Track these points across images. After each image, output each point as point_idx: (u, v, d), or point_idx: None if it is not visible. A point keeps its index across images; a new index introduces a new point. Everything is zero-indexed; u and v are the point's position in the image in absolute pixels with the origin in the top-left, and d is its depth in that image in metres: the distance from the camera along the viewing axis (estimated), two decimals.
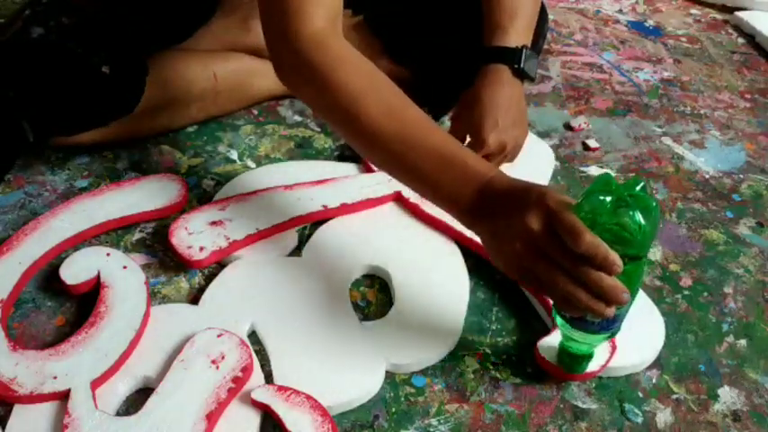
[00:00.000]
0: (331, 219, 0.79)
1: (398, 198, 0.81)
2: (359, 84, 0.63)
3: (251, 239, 0.74)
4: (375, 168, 0.84)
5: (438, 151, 0.61)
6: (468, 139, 0.79)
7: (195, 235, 0.74)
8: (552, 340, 0.65)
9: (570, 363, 0.63)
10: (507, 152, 0.79)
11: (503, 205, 0.57)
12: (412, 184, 0.65)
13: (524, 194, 0.56)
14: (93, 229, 0.75)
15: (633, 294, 0.55)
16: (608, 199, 0.53)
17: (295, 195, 0.80)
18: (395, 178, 0.66)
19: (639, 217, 0.52)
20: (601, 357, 0.64)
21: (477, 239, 0.73)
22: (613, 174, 0.91)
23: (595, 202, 0.53)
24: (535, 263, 0.55)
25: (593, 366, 0.63)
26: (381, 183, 0.82)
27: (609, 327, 0.58)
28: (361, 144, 0.66)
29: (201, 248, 0.72)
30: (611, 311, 0.54)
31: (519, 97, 0.82)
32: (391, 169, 0.65)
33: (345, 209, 0.79)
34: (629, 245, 0.53)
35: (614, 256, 0.52)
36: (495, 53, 0.81)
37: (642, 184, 0.54)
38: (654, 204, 0.53)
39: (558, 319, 0.60)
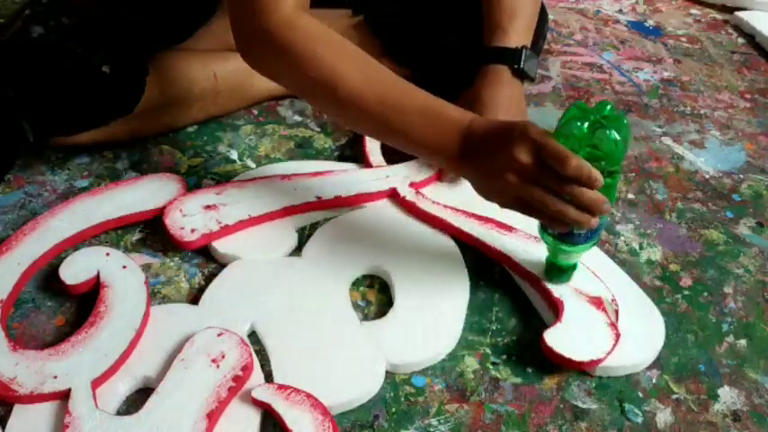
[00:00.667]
0: (325, 210, 0.79)
1: (393, 194, 0.81)
2: (333, 55, 0.66)
3: (242, 225, 0.75)
4: (373, 165, 0.85)
5: (418, 108, 0.65)
6: None
7: (189, 217, 0.75)
8: (558, 331, 0.66)
9: (559, 275, 0.70)
10: None
11: (486, 145, 0.62)
12: (397, 142, 0.68)
13: (507, 131, 0.61)
14: (92, 229, 0.75)
15: (612, 204, 0.62)
16: (585, 124, 0.60)
17: (292, 185, 0.80)
18: (378, 140, 0.70)
19: (615, 134, 0.59)
20: (605, 345, 0.64)
21: (477, 235, 0.75)
22: None
23: (574, 128, 0.60)
24: (528, 191, 0.60)
25: (597, 354, 0.64)
26: (378, 179, 0.83)
27: (592, 236, 0.65)
28: (341, 112, 0.69)
29: (193, 230, 0.73)
30: (595, 221, 0.61)
31: (519, 97, 0.82)
32: (374, 131, 0.70)
33: (340, 201, 0.80)
34: (607, 161, 0.60)
35: (596, 173, 0.59)
36: (495, 53, 0.81)
37: (611, 105, 0.61)
38: (625, 122, 0.60)
39: (548, 239, 0.66)
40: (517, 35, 0.81)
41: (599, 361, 0.64)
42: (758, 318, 0.73)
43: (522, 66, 0.80)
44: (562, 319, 0.67)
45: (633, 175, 0.92)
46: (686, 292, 0.75)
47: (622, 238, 0.81)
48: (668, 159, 0.96)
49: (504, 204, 0.64)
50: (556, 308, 0.68)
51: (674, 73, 1.18)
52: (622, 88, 1.12)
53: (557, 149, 0.58)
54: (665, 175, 0.92)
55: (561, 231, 0.64)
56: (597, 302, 0.69)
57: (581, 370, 0.65)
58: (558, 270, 0.70)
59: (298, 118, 0.98)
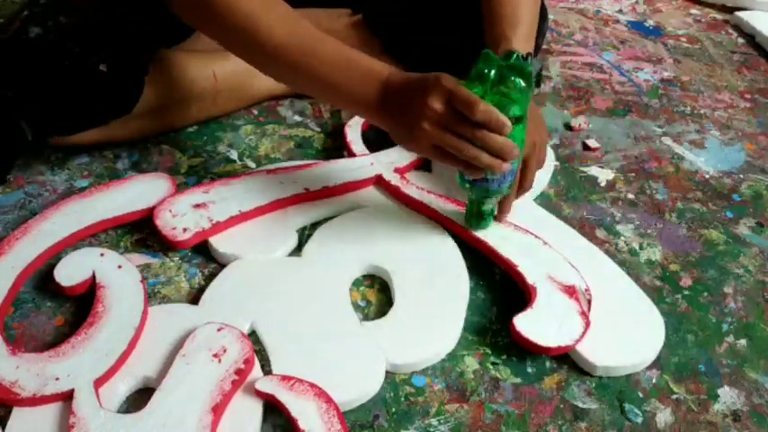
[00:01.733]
0: (313, 202, 0.80)
1: (379, 181, 0.82)
2: (256, 6, 0.69)
3: (234, 221, 0.75)
4: (356, 153, 0.87)
5: (339, 58, 0.68)
6: None
7: (179, 217, 0.75)
8: (528, 317, 0.66)
9: (478, 221, 0.75)
10: (537, 148, 0.78)
11: (403, 95, 0.66)
12: (319, 91, 0.72)
13: (422, 82, 0.65)
14: (84, 231, 0.75)
15: (521, 151, 0.67)
16: (492, 72, 0.64)
17: (278, 179, 0.81)
18: (300, 89, 0.74)
19: (521, 82, 0.64)
20: (574, 332, 0.65)
21: (457, 221, 0.76)
22: (613, 174, 0.92)
23: (482, 76, 0.64)
24: (442, 138, 0.64)
25: (566, 341, 0.64)
26: (363, 167, 0.84)
27: (504, 182, 0.70)
28: (265, 61, 0.71)
29: (185, 230, 0.73)
30: (507, 166, 0.66)
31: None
32: (297, 81, 0.72)
33: (327, 192, 0.80)
34: (515, 107, 0.65)
35: (504, 119, 0.63)
36: None
37: (516, 54, 0.65)
38: (528, 69, 0.65)
39: (466, 186, 0.71)
40: (520, 43, 0.80)
41: (567, 348, 0.65)
42: (758, 318, 0.73)
43: None
44: (533, 305, 0.68)
45: (633, 175, 0.92)
46: (686, 292, 0.75)
47: (622, 238, 0.81)
48: (668, 159, 0.96)
49: (421, 152, 0.69)
50: (529, 294, 0.69)
51: (674, 73, 1.18)
52: (622, 88, 1.12)
53: (466, 96, 0.62)
54: (665, 175, 0.92)
55: (476, 177, 0.68)
56: (570, 291, 0.69)
57: (548, 354, 0.66)
58: (477, 217, 0.75)
59: (298, 118, 0.98)
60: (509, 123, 0.64)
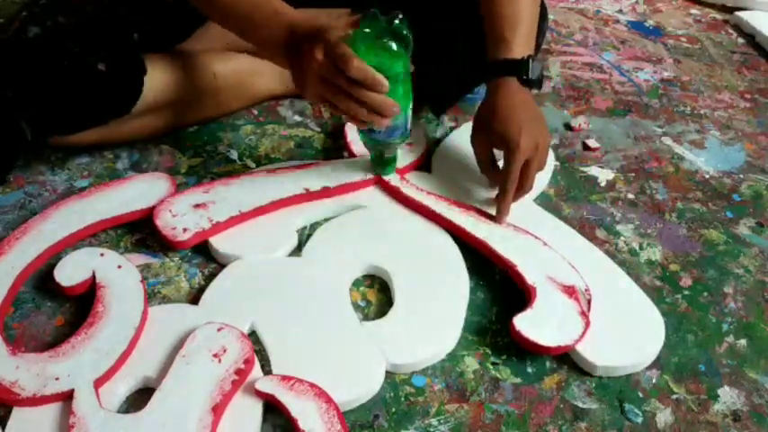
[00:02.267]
0: (313, 202, 0.80)
1: (379, 181, 0.83)
2: None
3: (234, 221, 0.75)
4: (357, 154, 0.87)
5: (258, 3, 0.73)
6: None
7: (179, 217, 0.75)
8: (528, 317, 0.67)
9: (382, 167, 0.81)
10: (539, 151, 0.78)
11: (301, 41, 0.69)
12: (242, 33, 0.76)
13: (314, 32, 0.68)
14: (84, 230, 0.75)
15: (404, 109, 0.71)
16: (370, 31, 0.66)
17: (278, 179, 0.81)
18: (231, 30, 0.78)
19: (393, 45, 0.67)
20: (574, 332, 0.65)
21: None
22: (613, 174, 0.92)
23: (362, 35, 0.66)
24: (324, 89, 0.68)
25: (565, 341, 0.64)
26: (363, 167, 0.84)
27: (393, 135, 0.74)
28: (206, 4, 0.76)
29: (185, 230, 0.73)
30: (387, 122, 0.70)
31: (531, 101, 0.81)
32: (227, 22, 0.77)
33: (327, 192, 0.80)
34: (391, 67, 0.67)
35: (379, 78, 0.66)
36: (502, 67, 0.80)
37: (400, 16, 0.67)
38: (405, 32, 0.67)
39: (361, 134, 0.78)
40: (520, 45, 0.80)
41: (567, 348, 0.65)
42: (758, 318, 0.73)
43: (529, 76, 0.80)
44: (533, 305, 0.68)
45: (633, 175, 0.92)
46: (686, 292, 0.75)
47: (622, 238, 0.81)
48: (668, 159, 0.96)
49: (310, 99, 0.73)
50: (529, 294, 0.69)
51: (674, 73, 1.18)
52: (622, 88, 1.12)
53: (341, 52, 0.65)
54: (665, 175, 0.92)
55: (363, 129, 0.73)
56: (570, 291, 0.69)
57: (548, 354, 0.66)
58: (376, 163, 0.81)
59: (298, 118, 0.98)
60: (385, 82, 0.66)
